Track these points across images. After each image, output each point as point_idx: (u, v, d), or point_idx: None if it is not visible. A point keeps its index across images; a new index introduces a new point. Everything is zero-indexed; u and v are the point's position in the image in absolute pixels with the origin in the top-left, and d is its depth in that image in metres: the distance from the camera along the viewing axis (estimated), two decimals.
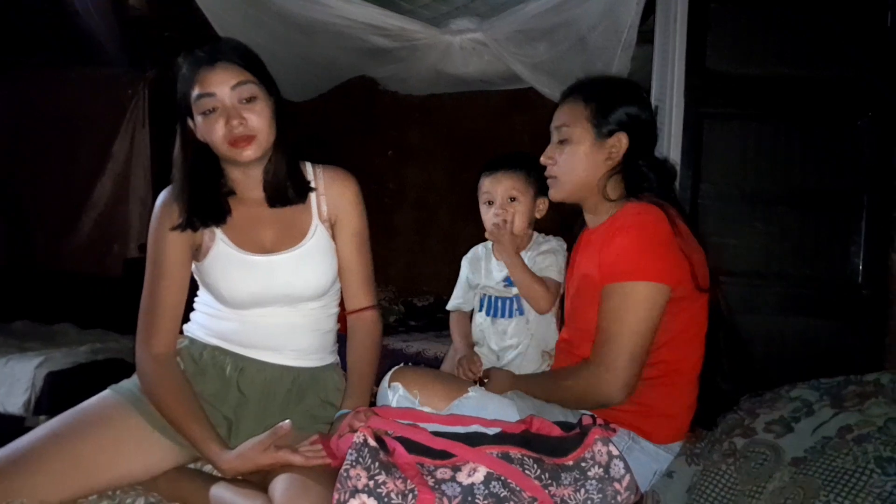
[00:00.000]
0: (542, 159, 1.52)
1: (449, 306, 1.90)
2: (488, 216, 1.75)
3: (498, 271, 1.78)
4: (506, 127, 4.13)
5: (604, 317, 1.37)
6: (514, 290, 1.74)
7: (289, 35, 2.97)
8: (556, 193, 1.53)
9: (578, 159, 1.46)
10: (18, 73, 4.00)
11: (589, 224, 1.55)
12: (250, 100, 1.39)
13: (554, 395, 1.45)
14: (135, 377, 1.47)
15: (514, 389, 1.49)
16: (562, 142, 1.49)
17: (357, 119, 4.54)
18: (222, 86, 1.37)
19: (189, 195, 1.43)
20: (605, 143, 1.45)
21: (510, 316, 1.75)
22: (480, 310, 1.80)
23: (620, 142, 1.44)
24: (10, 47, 3.85)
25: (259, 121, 1.39)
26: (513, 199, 1.72)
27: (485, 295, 1.80)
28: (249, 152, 1.39)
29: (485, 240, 1.82)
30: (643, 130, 1.47)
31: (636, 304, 1.33)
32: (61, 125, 4.00)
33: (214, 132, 1.37)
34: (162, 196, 1.48)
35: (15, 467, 1.25)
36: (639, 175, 1.45)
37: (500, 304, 1.76)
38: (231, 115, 1.36)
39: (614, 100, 1.46)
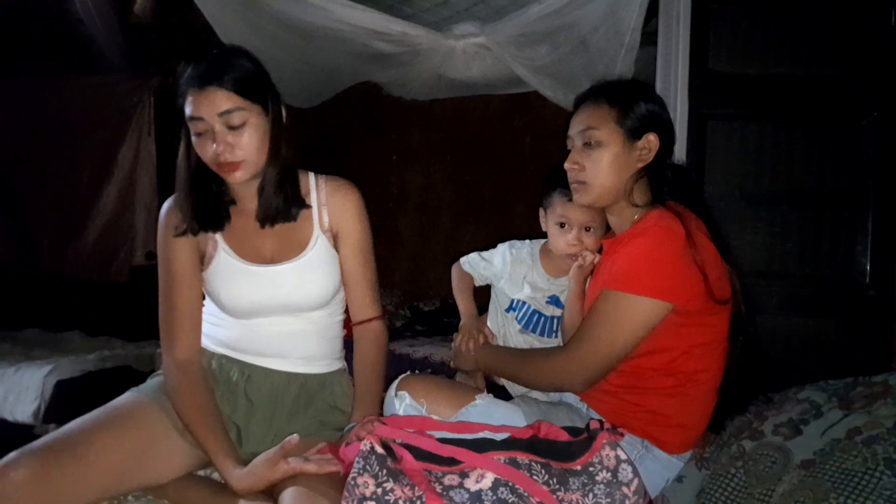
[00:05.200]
0: (567, 166, 1.45)
1: (463, 263, 1.79)
2: (561, 239, 1.61)
3: (545, 284, 1.67)
4: (508, 130, 4.14)
5: (592, 316, 1.37)
6: (557, 311, 1.65)
7: (292, 41, 2.98)
8: (582, 198, 1.45)
9: (609, 162, 1.40)
10: (23, 81, 4.01)
11: (615, 230, 1.51)
12: (239, 126, 1.36)
13: (522, 369, 1.51)
14: (150, 381, 1.50)
15: (479, 364, 1.61)
16: (587, 146, 1.42)
17: (360, 124, 4.55)
18: (210, 111, 1.34)
19: (190, 200, 1.44)
20: (636, 144, 1.40)
21: (549, 335, 1.66)
22: (509, 311, 1.71)
23: (651, 142, 1.39)
24: (14, 54, 3.87)
25: (247, 146, 1.37)
26: (588, 230, 1.59)
27: (522, 302, 1.69)
28: (238, 175, 1.39)
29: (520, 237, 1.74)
30: (669, 131, 1.43)
31: (627, 317, 1.32)
32: (66, 133, 4.01)
33: (204, 153, 1.38)
34: (166, 204, 1.49)
35: (59, 457, 1.23)
36: (663, 179, 1.40)
37: (540, 320, 1.67)
38: (217, 142, 1.35)
39: (639, 100, 1.41)
